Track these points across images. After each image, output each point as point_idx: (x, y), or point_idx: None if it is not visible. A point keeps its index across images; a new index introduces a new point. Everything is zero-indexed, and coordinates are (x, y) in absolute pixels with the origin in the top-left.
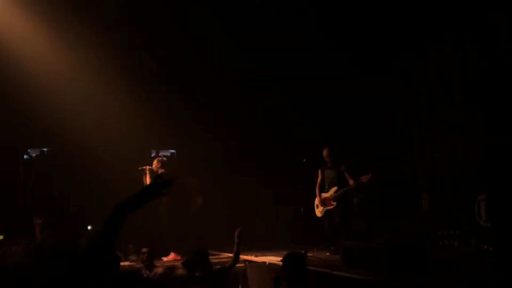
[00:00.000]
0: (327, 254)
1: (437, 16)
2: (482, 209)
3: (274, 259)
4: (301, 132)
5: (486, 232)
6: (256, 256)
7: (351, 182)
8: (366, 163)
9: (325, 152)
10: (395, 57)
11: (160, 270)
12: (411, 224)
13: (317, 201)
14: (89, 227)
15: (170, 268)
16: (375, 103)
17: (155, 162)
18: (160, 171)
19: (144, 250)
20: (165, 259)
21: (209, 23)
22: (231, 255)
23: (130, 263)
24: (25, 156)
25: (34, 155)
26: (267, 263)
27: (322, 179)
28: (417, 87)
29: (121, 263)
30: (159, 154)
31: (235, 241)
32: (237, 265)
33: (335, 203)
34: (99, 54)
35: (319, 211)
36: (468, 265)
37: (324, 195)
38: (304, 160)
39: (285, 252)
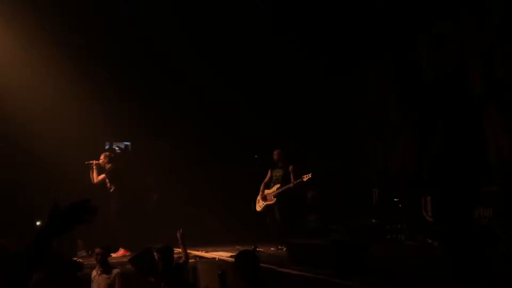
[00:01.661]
0: (272, 249)
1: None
2: (428, 204)
3: (224, 254)
4: (254, 129)
5: (431, 227)
6: (207, 251)
7: (292, 181)
8: (322, 161)
9: (275, 154)
10: (353, 58)
11: (116, 271)
12: (362, 219)
13: (259, 196)
14: (37, 223)
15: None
16: (334, 103)
17: (102, 156)
18: (107, 166)
19: (97, 251)
20: (113, 255)
21: (163, 16)
22: (180, 250)
23: (78, 259)
24: None
25: None
26: (217, 259)
27: (270, 178)
28: (373, 89)
29: None
30: (114, 147)
31: (179, 242)
32: (189, 260)
33: (275, 199)
34: (50, 44)
35: (259, 206)
36: (414, 258)
37: (267, 191)
38: (256, 156)
39: (236, 247)
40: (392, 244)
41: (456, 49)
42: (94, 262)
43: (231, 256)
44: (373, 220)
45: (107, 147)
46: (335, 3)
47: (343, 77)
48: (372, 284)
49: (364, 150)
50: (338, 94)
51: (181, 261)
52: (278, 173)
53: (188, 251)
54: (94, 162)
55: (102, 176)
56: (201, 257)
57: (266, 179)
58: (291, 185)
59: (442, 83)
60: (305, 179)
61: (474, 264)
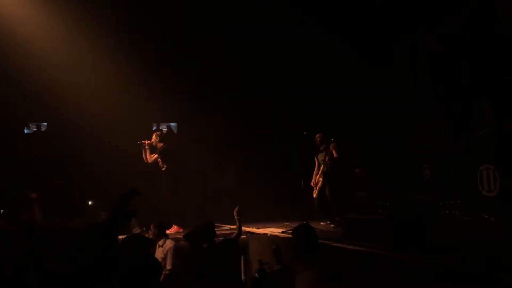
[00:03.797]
0: (322, 224)
1: None
2: (484, 178)
3: (275, 230)
4: (301, 112)
5: (488, 201)
6: (258, 228)
7: (327, 156)
8: (368, 138)
9: (317, 137)
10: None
11: (169, 245)
12: (413, 195)
13: (312, 183)
14: (89, 203)
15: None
16: (378, 81)
17: (153, 136)
18: (160, 145)
19: (152, 227)
20: (167, 231)
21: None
22: (234, 226)
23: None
24: (25, 131)
25: (33, 130)
26: (269, 235)
27: (318, 164)
28: (418, 66)
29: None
30: (160, 128)
31: (236, 217)
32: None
33: (321, 179)
34: (96, 29)
35: (314, 192)
36: (469, 234)
37: (316, 176)
38: (305, 133)
39: (285, 224)
40: (447, 220)
41: None
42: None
43: (282, 232)
44: (425, 196)
45: (154, 128)
46: None
47: (385, 54)
48: (429, 259)
49: (412, 125)
50: (382, 71)
51: (233, 236)
52: (321, 157)
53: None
54: (147, 142)
55: (155, 155)
56: (252, 233)
57: (316, 167)
58: (325, 162)
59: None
60: (333, 151)
61: None
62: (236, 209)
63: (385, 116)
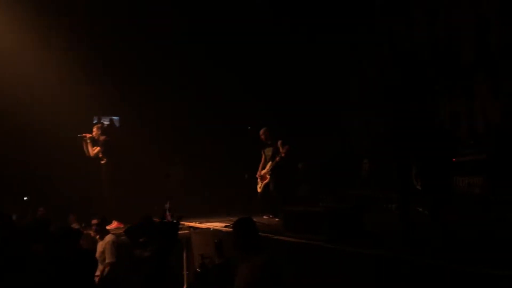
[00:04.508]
0: (265, 217)
1: None
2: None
3: (218, 225)
4: (245, 105)
5: (421, 195)
6: (201, 222)
7: (277, 157)
8: (311, 133)
9: (261, 132)
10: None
11: (108, 238)
12: (353, 189)
13: (257, 176)
14: (25, 198)
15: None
16: (317, 71)
17: (95, 129)
18: (102, 138)
19: (93, 222)
20: (107, 227)
21: None
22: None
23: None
24: None
25: None
26: (211, 229)
27: (265, 158)
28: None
29: None
30: (101, 121)
31: (166, 213)
32: (182, 231)
33: (269, 176)
34: (36, 20)
35: (259, 187)
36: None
37: (263, 171)
38: (249, 127)
39: (229, 218)
40: (383, 213)
41: (448, 16)
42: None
43: (225, 226)
44: (364, 190)
45: (95, 121)
46: None
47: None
48: (364, 248)
49: (353, 122)
50: (323, 68)
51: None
52: (268, 151)
53: (182, 222)
54: (88, 135)
55: (98, 148)
56: (195, 228)
57: (262, 161)
58: (274, 162)
59: (433, 52)
60: (283, 153)
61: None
62: (167, 204)
63: (329, 112)
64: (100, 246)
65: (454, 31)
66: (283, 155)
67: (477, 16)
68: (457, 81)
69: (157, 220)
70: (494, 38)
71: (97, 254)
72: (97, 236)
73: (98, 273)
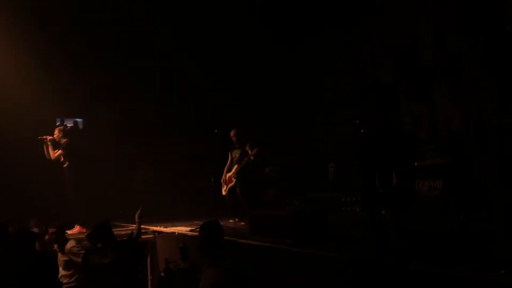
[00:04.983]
0: (231, 221)
1: None
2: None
3: (183, 229)
4: (213, 107)
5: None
6: (166, 227)
7: (245, 158)
8: (277, 137)
9: (232, 133)
10: (304, 32)
11: (69, 246)
12: (318, 192)
13: (222, 180)
14: None
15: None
16: (284, 77)
17: (56, 131)
18: (63, 140)
19: (51, 230)
20: (69, 232)
21: None
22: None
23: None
24: None
25: None
26: (176, 233)
27: (231, 160)
28: (322, 61)
29: None
30: (64, 123)
31: (137, 220)
32: (147, 236)
33: (234, 179)
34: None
35: (224, 190)
36: (365, 229)
37: (228, 174)
38: (216, 131)
39: (195, 223)
40: (348, 215)
41: (409, 22)
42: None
43: (190, 230)
44: (329, 193)
45: (58, 123)
46: None
47: (294, 51)
48: (330, 251)
49: (318, 125)
50: (292, 69)
51: (133, 236)
52: (236, 154)
53: (147, 226)
54: (49, 137)
55: (59, 151)
56: (160, 232)
57: (228, 163)
58: (243, 163)
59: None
60: (252, 155)
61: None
62: (138, 211)
63: (297, 115)
64: (61, 257)
65: (413, 37)
66: (252, 157)
67: (434, 22)
68: (418, 86)
69: (125, 239)
70: (452, 44)
71: (61, 265)
72: (55, 246)
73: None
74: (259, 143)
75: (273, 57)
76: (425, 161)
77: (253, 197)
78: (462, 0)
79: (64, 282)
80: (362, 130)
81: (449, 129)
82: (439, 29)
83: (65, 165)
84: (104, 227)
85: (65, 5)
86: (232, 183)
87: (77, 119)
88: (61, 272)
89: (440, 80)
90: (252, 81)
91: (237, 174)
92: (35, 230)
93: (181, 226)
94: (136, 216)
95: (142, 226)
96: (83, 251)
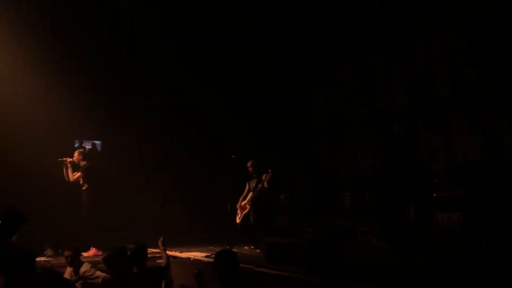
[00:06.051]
0: (246, 248)
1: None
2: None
3: (199, 254)
4: (226, 132)
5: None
6: (181, 252)
7: (259, 185)
8: (290, 164)
9: (249, 164)
10: (313, 57)
11: (82, 269)
12: (333, 221)
13: (238, 206)
14: None
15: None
16: (297, 105)
17: (76, 153)
18: (83, 163)
19: (66, 253)
20: (85, 254)
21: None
22: (156, 250)
23: (46, 259)
24: None
25: None
26: (192, 259)
27: (248, 189)
28: (333, 88)
29: (37, 259)
30: (83, 145)
31: (161, 248)
32: (161, 261)
33: (249, 206)
34: (13, 35)
35: (238, 218)
36: (383, 259)
37: (243, 202)
38: (233, 156)
39: (210, 248)
40: (364, 245)
41: (424, 52)
42: (64, 262)
43: (206, 256)
44: (345, 222)
45: (76, 145)
46: None
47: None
48: (346, 281)
49: (331, 152)
50: (306, 98)
51: (162, 265)
52: (253, 183)
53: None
54: (68, 159)
55: (78, 174)
56: (175, 257)
57: (245, 191)
58: (260, 188)
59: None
60: (265, 179)
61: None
62: (161, 239)
63: (309, 142)
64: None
65: (429, 66)
66: (265, 184)
67: (450, 52)
68: (434, 116)
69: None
70: (469, 75)
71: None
72: (71, 269)
73: None
74: (272, 169)
75: (285, 84)
76: (443, 192)
77: (265, 224)
78: (475, 31)
79: None
80: (379, 162)
81: (466, 160)
82: (455, 58)
83: (84, 188)
84: (141, 250)
85: (89, 31)
86: (247, 210)
87: (96, 141)
88: None
89: (456, 111)
90: (266, 109)
91: (252, 201)
92: (49, 252)
93: (196, 251)
94: (160, 243)
95: (155, 250)
96: (96, 276)
